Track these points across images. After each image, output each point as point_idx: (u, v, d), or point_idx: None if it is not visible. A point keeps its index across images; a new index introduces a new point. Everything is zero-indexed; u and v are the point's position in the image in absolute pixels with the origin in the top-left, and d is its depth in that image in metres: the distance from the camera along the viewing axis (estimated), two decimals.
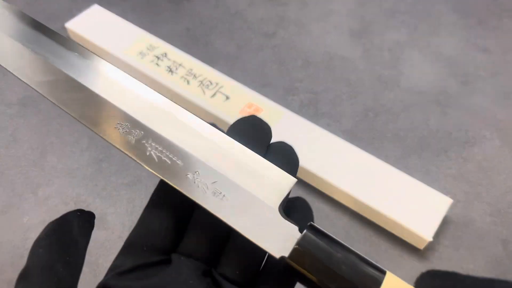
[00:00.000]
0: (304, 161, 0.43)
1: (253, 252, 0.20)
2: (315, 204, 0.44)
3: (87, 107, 0.21)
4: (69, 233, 0.20)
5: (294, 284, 0.21)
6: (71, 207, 0.43)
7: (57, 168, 0.46)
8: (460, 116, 0.51)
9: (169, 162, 0.20)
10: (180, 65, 0.50)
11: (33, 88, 0.21)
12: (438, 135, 0.49)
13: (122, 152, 0.20)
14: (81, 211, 0.22)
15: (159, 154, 0.20)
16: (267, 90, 0.52)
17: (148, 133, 0.21)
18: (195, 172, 0.20)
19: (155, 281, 0.19)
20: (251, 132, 0.23)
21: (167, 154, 0.20)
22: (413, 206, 0.41)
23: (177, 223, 0.21)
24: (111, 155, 0.47)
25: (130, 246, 0.20)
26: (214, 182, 0.20)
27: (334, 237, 0.19)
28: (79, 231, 0.21)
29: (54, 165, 0.46)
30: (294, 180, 0.20)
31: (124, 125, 0.21)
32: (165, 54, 0.51)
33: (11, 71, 0.22)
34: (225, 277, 0.20)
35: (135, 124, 0.21)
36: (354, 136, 0.49)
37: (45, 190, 0.44)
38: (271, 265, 0.21)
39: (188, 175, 0.20)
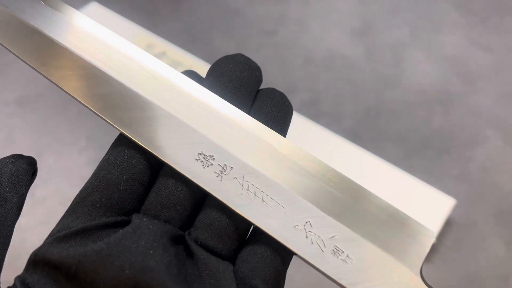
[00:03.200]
0: None
1: (236, 215, 0.16)
2: None
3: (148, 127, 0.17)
4: None
5: (287, 262, 0.17)
6: None
7: (54, 168, 0.45)
8: (462, 115, 0.50)
9: (270, 207, 0.16)
10: (179, 63, 0.50)
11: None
12: (440, 135, 0.49)
13: (203, 190, 0.16)
14: (16, 157, 0.17)
15: (257, 195, 0.16)
16: None
17: (239, 166, 0.16)
18: (306, 222, 0.15)
19: (101, 247, 0.15)
20: (238, 74, 0.19)
21: (266, 193, 0.16)
22: (415, 206, 0.41)
23: (142, 174, 0.17)
24: None
25: (79, 204, 0.16)
26: (333, 236, 0.15)
27: None
28: (10, 184, 0.17)
29: (51, 166, 0.45)
30: (435, 233, 0.16)
31: (207, 156, 0.16)
32: (164, 52, 0.51)
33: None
34: (201, 244, 0.16)
35: (221, 153, 0.17)
36: (355, 135, 0.48)
37: (42, 191, 0.43)
38: (259, 236, 0.17)
39: (297, 226, 0.15)
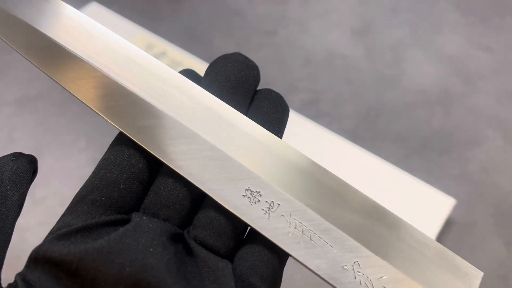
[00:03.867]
0: None
1: (234, 215, 0.17)
2: None
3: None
4: None
5: (284, 261, 0.17)
6: None
7: (54, 168, 0.45)
8: (462, 115, 0.50)
9: (319, 246, 0.15)
10: (179, 63, 0.50)
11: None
12: (440, 135, 0.49)
13: (252, 228, 0.16)
14: (17, 155, 0.17)
15: (304, 234, 0.15)
16: None
17: (286, 203, 0.16)
18: (355, 262, 0.15)
19: (101, 244, 0.15)
20: (236, 73, 0.19)
21: (314, 232, 0.15)
22: (416, 206, 0.41)
23: (142, 173, 0.17)
24: None
25: (79, 202, 0.16)
26: (381, 277, 0.15)
27: None
28: (11, 182, 0.16)
29: (51, 166, 0.45)
30: (481, 273, 0.16)
31: (254, 192, 0.16)
32: (164, 52, 0.51)
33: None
34: (200, 242, 0.16)
35: (267, 189, 0.16)
36: (355, 136, 0.48)
37: (42, 191, 0.43)
38: (256, 236, 0.17)
39: (346, 267, 0.15)
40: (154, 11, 0.59)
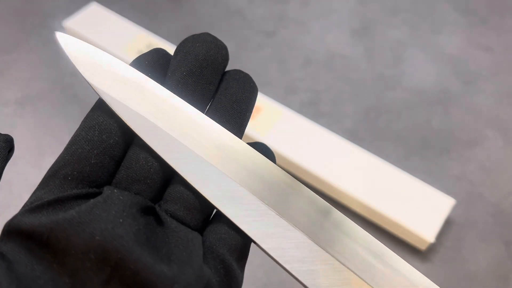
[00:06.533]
0: (305, 161, 0.43)
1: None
2: None
3: None
4: None
5: (246, 247, 0.18)
6: None
7: None
8: (462, 115, 0.50)
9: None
10: None
11: None
12: (440, 135, 0.49)
13: None
14: None
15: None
16: (267, 89, 0.51)
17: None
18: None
19: (72, 215, 0.15)
20: (204, 52, 0.19)
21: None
22: (415, 206, 0.41)
23: (113, 149, 0.17)
24: None
25: (51, 177, 0.17)
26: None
27: None
28: None
29: None
30: None
31: None
32: None
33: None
34: (170, 215, 0.17)
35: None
36: (355, 136, 0.48)
37: None
38: (222, 219, 0.18)
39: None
40: (154, 11, 0.59)
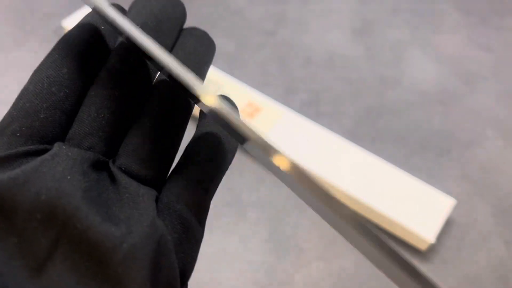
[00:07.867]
0: (305, 161, 0.43)
1: (163, 141, 0.17)
2: None
3: None
4: None
5: (212, 192, 0.17)
6: None
7: None
8: (463, 115, 0.50)
9: None
10: None
11: None
12: (440, 135, 0.49)
13: None
14: None
15: None
16: (267, 89, 0.51)
17: None
18: None
19: (17, 174, 0.14)
20: (160, 7, 0.18)
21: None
22: (416, 207, 0.41)
23: (63, 102, 0.16)
24: None
25: None
26: None
27: None
28: None
29: None
30: None
31: None
32: None
33: None
34: (124, 170, 0.16)
35: None
36: (355, 136, 0.48)
37: None
38: (184, 166, 0.17)
39: None
40: None
